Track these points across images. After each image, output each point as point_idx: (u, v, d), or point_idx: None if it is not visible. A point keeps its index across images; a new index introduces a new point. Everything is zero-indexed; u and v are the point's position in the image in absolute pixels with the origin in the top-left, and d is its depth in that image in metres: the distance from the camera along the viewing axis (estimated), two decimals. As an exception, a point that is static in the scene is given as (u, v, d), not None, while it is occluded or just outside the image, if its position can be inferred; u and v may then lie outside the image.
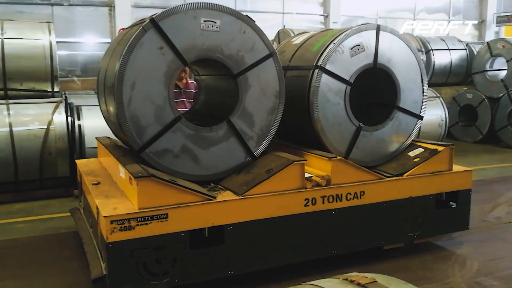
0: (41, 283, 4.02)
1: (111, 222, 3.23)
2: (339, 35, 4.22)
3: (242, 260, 3.69)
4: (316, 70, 4.14)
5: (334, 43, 4.17)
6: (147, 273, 3.40)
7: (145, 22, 3.59)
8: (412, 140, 4.69)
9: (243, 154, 4.04)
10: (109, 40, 13.84)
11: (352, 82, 4.27)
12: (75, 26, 13.92)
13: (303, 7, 16.07)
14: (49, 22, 7.64)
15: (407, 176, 4.26)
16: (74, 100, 7.14)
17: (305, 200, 3.84)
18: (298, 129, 4.58)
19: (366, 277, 1.57)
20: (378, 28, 4.34)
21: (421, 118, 4.65)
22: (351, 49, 4.23)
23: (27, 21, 7.80)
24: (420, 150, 4.50)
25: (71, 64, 15.00)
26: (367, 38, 4.30)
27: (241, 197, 3.63)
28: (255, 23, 3.97)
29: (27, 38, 7.12)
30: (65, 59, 13.35)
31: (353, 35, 4.24)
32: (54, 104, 6.69)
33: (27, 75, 6.95)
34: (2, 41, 6.85)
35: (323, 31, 4.81)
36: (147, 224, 3.33)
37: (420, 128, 4.88)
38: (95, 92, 8.97)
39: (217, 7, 3.79)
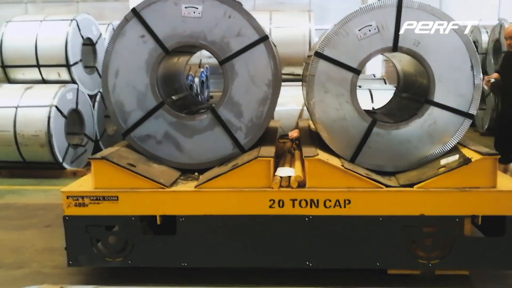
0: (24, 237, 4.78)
1: (67, 197, 3.54)
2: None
3: (195, 253, 3.57)
4: (312, 57, 3.63)
5: (335, 24, 3.57)
6: (105, 250, 3.61)
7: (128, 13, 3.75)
8: (459, 144, 3.69)
9: (230, 145, 3.84)
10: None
11: (360, 70, 3.60)
12: (328, 14, 14.66)
13: None
14: (309, 11, 8.44)
15: (417, 188, 3.39)
16: None
17: (270, 201, 3.45)
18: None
19: None
20: (400, 4, 3.52)
21: (470, 116, 3.60)
22: (360, 30, 3.55)
23: (291, 11, 8.77)
24: (456, 157, 3.51)
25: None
26: (384, 17, 3.53)
27: (195, 190, 3.50)
28: (242, 6, 3.70)
29: (290, 27, 7.99)
30: (317, 46, 14.38)
31: (362, 14, 3.54)
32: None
33: (287, 61, 7.35)
34: (270, 30, 7.59)
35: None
36: (98, 203, 3.53)
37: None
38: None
39: (200, -8, 3.68)
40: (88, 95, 8.10)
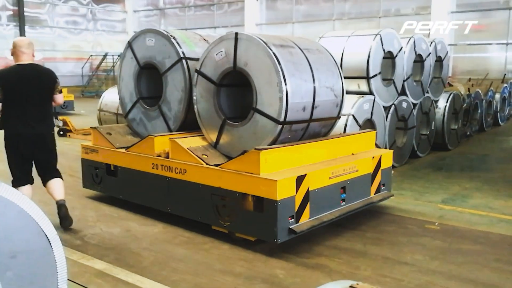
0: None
1: (82, 147, 6.32)
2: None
3: (125, 191, 5.79)
4: (195, 73, 5.31)
5: (205, 50, 5.15)
6: (94, 181, 6.24)
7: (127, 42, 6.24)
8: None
9: (166, 129, 5.87)
10: None
11: (218, 82, 5.07)
12: None
13: None
14: None
15: (219, 168, 4.70)
16: None
17: (152, 164, 5.37)
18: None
19: None
20: (236, 36, 4.83)
21: (279, 122, 4.60)
22: (216, 55, 5.04)
23: None
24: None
25: None
26: (228, 45, 4.92)
27: (124, 151, 5.74)
28: (171, 38, 5.66)
29: None
30: None
31: (218, 43, 5.02)
32: None
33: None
34: None
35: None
36: (92, 153, 6.17)
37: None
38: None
39: (154, 30, 5.85)
40: (383, 106, 7.93)
